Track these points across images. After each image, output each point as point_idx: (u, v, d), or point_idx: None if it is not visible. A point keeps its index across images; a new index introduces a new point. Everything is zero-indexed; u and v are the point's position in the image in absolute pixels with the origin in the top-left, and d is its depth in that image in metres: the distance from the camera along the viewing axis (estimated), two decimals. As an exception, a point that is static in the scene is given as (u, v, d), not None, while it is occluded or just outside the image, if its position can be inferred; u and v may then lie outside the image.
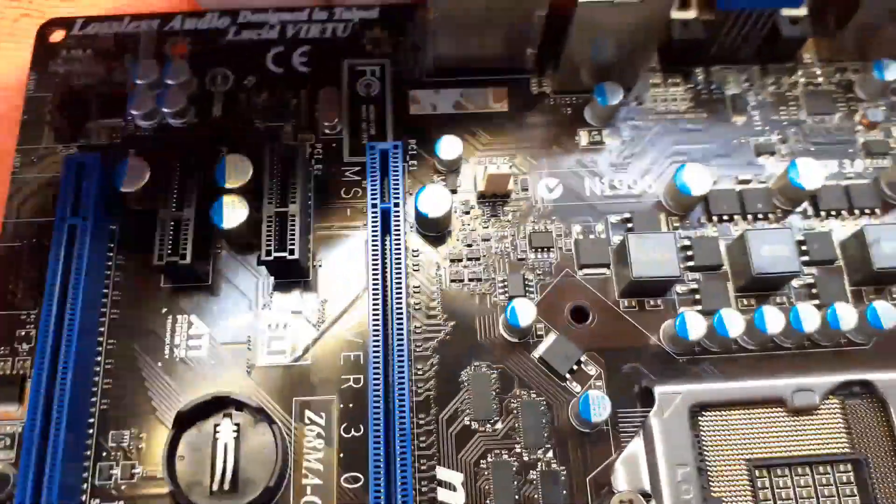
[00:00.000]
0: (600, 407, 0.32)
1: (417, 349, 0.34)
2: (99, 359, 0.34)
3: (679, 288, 0.36)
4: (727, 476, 0.32)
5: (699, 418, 0.33)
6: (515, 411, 0.33)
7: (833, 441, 0.33)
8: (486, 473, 0.32)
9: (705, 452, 0.32)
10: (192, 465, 0.32)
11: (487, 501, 0.32)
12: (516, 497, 0.32)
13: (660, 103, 0.39)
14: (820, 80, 0.40)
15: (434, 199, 0.35)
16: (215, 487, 0.31)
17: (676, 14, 0.38)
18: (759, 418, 0.33)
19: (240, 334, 0.34)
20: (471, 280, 0.36)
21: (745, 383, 0.33)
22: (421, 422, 0.33)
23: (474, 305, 0.35)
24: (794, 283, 0.36)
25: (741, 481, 0.32)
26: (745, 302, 0.35)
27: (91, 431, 0.33)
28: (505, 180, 0.36)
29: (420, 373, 0.34)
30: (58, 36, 0.41)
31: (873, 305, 0.34)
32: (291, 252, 0.33)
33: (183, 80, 0.39)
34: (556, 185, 0.38)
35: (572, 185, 0.38)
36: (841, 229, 0.37)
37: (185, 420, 0.32)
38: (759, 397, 0.33)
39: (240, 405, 0.32)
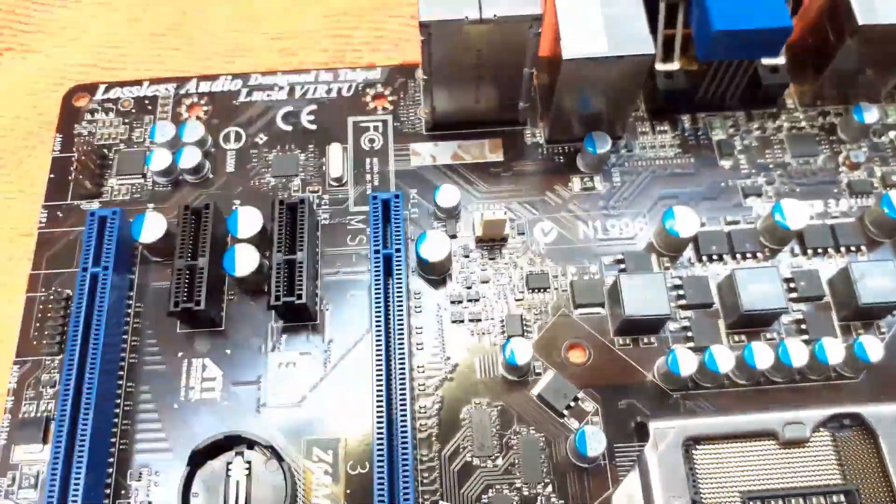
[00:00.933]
0: (596, 441, 0.33)
1: (420, 388, 0.36)
2: (118, 401, 0.36)
3: (672, 326, 0.37)
4: (721, 507, 0.33)
5: (693, 452, 0.34)
6: (515, 447, 0.35)
7: (825, 472, 0.33)
8: (488, 507, 0.34)
9: (700, 484, 0.33)
10: (205, 501, 0.33)
11: (489, 535, 0.33)
12: (517, 528, 0.33)
13: (648, 150, 0.41)
14: (803, 123, 0.42)
15: (434, 244, 0.37)
16: (226, 524, 0.32)
17: (660, 66, 0.40)
18: (752, 451, 0.34)
19: (251, 375, 0.36)
20: (471, 321, 0.37)
21: (737, 418, 0.34)
22: (424, 458, 0.34)
23: (475, 345, 0.37)
24: (784, 319, 0.37)
25: (736, 514, 0.33)
26: (736, 338, 0.37)
27: (110, 471, 0.34)
28: (501, 226, 0.38)
29: (422, 411, 0.35)
30: (82, 101, 0.44)
31: (860, 340, 0.35)
32: (299, 297, 0.35)
33: (198, 138, 0.42)
34: (550, 228, 0.39)
35: (566, 228, 0.39)
36: (828, 266, 0.38)
37: (200, 458, 0.33)
38: (751, 431, 0.34)
39: (251, 443, 0.34)
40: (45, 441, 0.35)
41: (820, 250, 0.39)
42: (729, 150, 0.41)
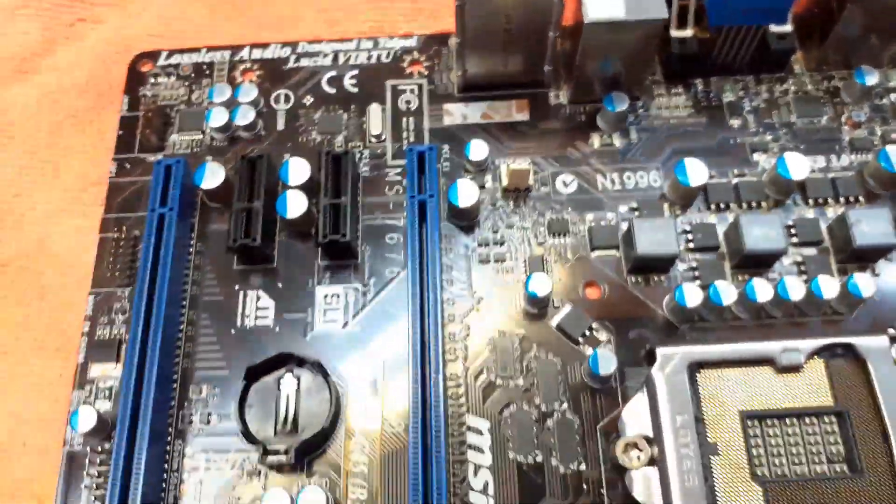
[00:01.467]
0: (607, 362, 0.37)
1: (449, 317, 0.40)
2: (182, 327, 0.40)
3: (681, 266, 0.40)
4: (722, 425, 0.36)
5: (697, 375, 0.37)
6: (534, 370, 0.38)
7: (818, 396, 0.37)
8: (508, 421, 0.37)
9: (702, 404, 0.37)
10: (259, 411, 0.37)
11: (509, 444, 0.37)
12: (535, 441, 0.37)
13: (664, 110, 0.45)
14: (809, 87, 0.45)
15: (465, 191, 0.41)
16: (279, 428, 0.37)
17: (675, 33, 0.44)
18: (751, 376, 0.37)
19: (300, 305, 0.40)
20: (496, 261, 0.41)
21: (738, 346, 0.37)
22: (452, 376, 0.38)
23: (499, 281, 0.41)
24: (785, 261, 0.40)
25: (734, 430, 0.36)
26: (740, 278, 0.40)
27: (175, 386, 0.39)
28: (525, 175, 0.42)
29: (451, 337, 0.39)
30: (146, 67, 0.49)
31: (853, 276, 0.38)
32: (343, 235, 0.40)
33: (251, 99, 0.46)
34: (571, 180, 0.43)
35: (586, 180, 0.43)
36: (828, 215, 0.41)
37: (254, 374, 0.38)
38: (751, 357, 0.37)
39: (300, 361, 0.38)
40: (117, 360, 0.40)
41: (821, 200, 0.42)
42: (738, 111, 0.44)
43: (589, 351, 0.39)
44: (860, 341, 0.37)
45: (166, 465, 0.37)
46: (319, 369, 0.38)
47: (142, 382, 0.37)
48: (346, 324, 0.40)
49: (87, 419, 0.37)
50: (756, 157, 0.43)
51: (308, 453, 0.37)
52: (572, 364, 0.38)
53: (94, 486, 0.37)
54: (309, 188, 0.42)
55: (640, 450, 0.36)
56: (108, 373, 0.39)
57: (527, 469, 0.37)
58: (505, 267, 0.41)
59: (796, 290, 0.38)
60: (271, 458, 0.35)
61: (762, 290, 0.38)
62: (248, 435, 0.37)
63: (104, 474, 0.37)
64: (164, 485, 0.37)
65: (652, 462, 0.35)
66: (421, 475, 0.34)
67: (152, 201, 0.41)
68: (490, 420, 0.38)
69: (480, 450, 0.37)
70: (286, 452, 0.35)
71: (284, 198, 0.41)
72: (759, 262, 0.40)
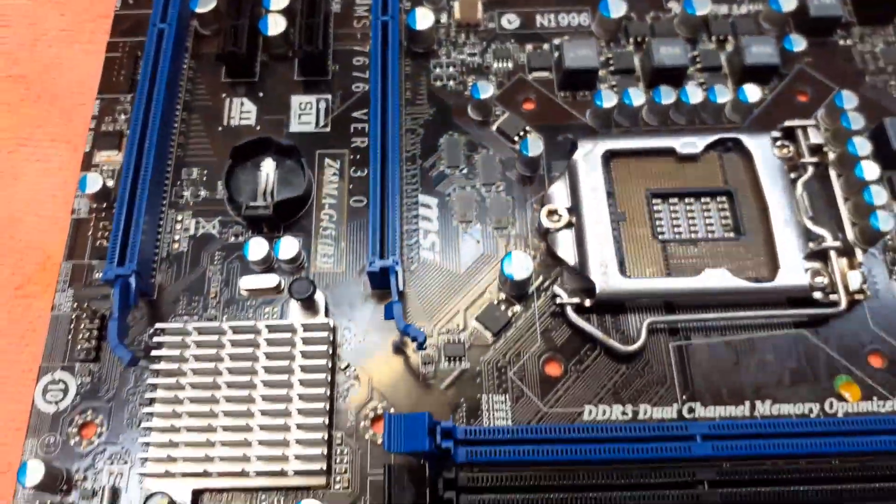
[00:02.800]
0: (535, 145, 0.44)
1: (409, 119, 0.47)
2: (176, 124, 0.47)
3: (602, 86, 0.48)
4: (630, 200, 0.43)
5: (611, 162, 0.44)
6: (476, 161, 0.45)
7: (711, 180, 0.44)
8: (453, 199, 0.44)
9: (614, 183, 0.44)
10: (242, 188, 0.44)
11: (453, 214, 0.44)
12: (475, 212, 0.44)
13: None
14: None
15: (422, 16, 0.48)
16: (259, 200, 0.43)
17: None
18: (656, 163, 0.44)
19: (278, 110, 0.47)
20: (449, 79, 0.48)
21: (645, 138, 0.45)
22: (408, 169, 0.45)
23: (448, 92, 0.48)
24: (690, 83, 0.47)
25: (640, 203, 0.43)
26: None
27: (169, 171, 0.45)
28: (474, 7, 0.49)
29: (409, 123, 0.46)
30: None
31: (743, 87, 0.46)
32: (317, 47, 0.46)
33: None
34: (515, 18, 0.50)
35: (527, 19, 0.50)
36: (727, 49, 0.49)
37: (238, 154, 0.44)
38: (655, 147, 0.44)
39: (279, 147, 0.45)
40: (119, 149, 0.46)
41: (722, 37, 0.49)
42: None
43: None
44: (747, 137, 0.45)
45: (160, 229, 0.44)
46: (294, 151, 0.44)
47: (140, 164, 0.44)
48: (317, 124, 0.47)
49: (94, 183, 0.43)
50: (670, 4, 0.51)
51: (284, 219, 0.43)
52: (509, 159, 0.46)
53: (99, 243, 0.43)
54: (288, 15, 0.49)
55: (560, 215, 0.43)
56: (112, 158, 0.46)
57: (468, 234, 0.44)
58: (456, 83, 0.48)
59: (696, 95, 0.45)
60: (251, 210, 0.42)
61: (667, 94, 0.45)
62: (232, 202, 0.43)
63: (107, 229, 0.43)
64: (157, 244, 0.43)
65: (570, 226, 0.43)
66: (378, 233, 0.41)
67: (153, 17, 0.47)
68: (438, 200, 0.44)
69: (429, 219, 0.44)
70: (265, 208, 0.42)
71: (266, 20, 0.48)
72: (667, 78, 0.47)
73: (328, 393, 0.38)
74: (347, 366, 0.40)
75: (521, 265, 0.40)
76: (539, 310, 0.41)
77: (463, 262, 0.43)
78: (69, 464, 0.38)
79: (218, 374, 0.38)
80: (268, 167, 0.44)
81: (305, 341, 0.39)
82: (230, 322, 0.40)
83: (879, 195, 0.42)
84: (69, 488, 0.38)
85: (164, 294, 0.42)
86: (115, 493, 0.37)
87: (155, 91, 0.45)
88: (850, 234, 0.42)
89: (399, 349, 0.41)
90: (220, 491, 0.37)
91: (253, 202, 0.43)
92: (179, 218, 0.44)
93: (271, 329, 0.39)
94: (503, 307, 0.41)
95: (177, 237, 0.44)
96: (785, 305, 0.41)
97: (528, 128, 0.46)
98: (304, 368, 0.38)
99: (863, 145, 0.43)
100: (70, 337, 0.41)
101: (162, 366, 0.38)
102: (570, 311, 0.41)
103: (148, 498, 0.36)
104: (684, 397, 0.39)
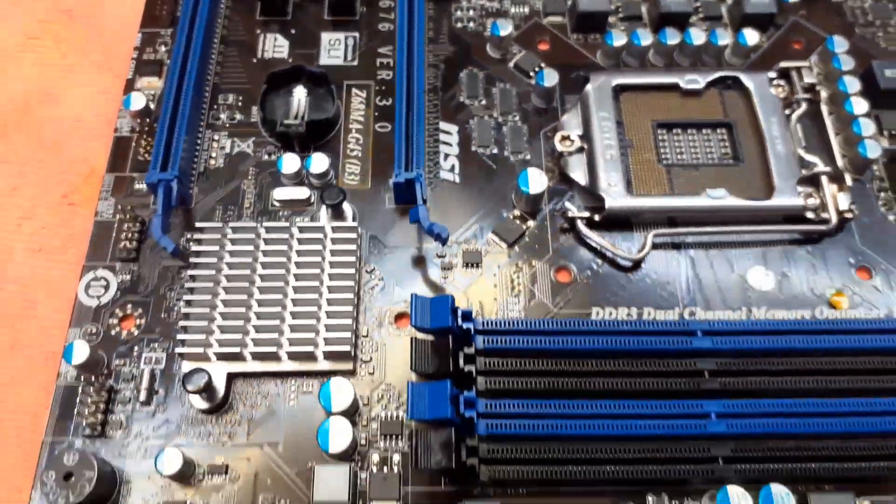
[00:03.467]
0: (551, 76, 0.47)
1: (431, 56, 0.50)
2: (213, 55, 0.50)
3: (615, 30, 0.51)
4: (637, 129, 0.47)
5: (620, 95, 0.48)
6: (494, 94, 0.49)
7: (713, 113, 0.47)
8: (472, 126, 0.48)
9: (623, 114, 0.47)
10: (277, 108, 0.47)
11: (473, 139, 0.47)
12: (492, 138, 0.47)
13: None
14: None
15: (445, -33, 0.51)
16: (291, 120, 0.46)
17: None
18: (661, 97, 0.48)
19: (310, 44, 0.50)
20: (469, 21, 0.52)
21: (651, 75, 0.48)
22: (430, 100, 0.49)
23: (472, 35, 0.51)
24: (694, 30, 0.51)
25: (647, 132, 0.47)
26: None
27: (207, 96, 0.48)
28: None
29: (431, 59, 0.50)
30: None
31: (743, 31, 0.49)
32: (348, -12, 0.50)
33: None
34: (530, -30, 0.54)
35: (542, -28, 0.54)
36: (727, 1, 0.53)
37: (273, 81, 0.47)
38: (661, 83, 0.48)
39: (311, 75, 0.48)
40: (160, 76, 0.49)
41: (724, -9, 0.53)
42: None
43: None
44: (745, 76, 0.48)
45: (198, 147, 0.47)
46: (324, 80, 0.47)
47: (182, 86, 0.47)
48: (345, 59, 0.50)
49: (137, 101, 0.46)
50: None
51: (314, 140, 0.46)
52: (525, 93, 0.49)
53: (140, 157, 0.46)
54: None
55: (573, 141, 0.46)
56: (153, 84, 0.49)
57: (485, 157, 0.47)
58: (476, 25, 0.51)
59: (699, 37, 0.49)
60: (285, 127, 0.45)
61: (672, 35, 0.49)
62: (266, 122, 0.46)
63: (149, 146, 0.46)
64: (195, 160, 0.46)
65: (581, 150, 0.46)
66: (403, 148, 0.44)
67: (192, -39, 0.51)
68: (458, 126, 0.48)
69: (449, 144, 0.47)
70: (298, 125, 0.45)
71: (305, -43, 0.51)
72: (674, 22, 0.50)
73: (356, 288, 0.41)
74: (373, 269, 0.43)
75: (537, 180, 0.43)
76: (551, 226, 0.45)
77: (480, 183, 0.46)
78: (109, 352, 0.41)
79: (253, 269, 0.41)
80: (300, 93, 0.47)
81: (335, 241, 0.42)
82: (265, 223, 0.43)
83: (867, 127, 0.45)
84: (109, 373, 0.40)
85: (201, 204, 0.45)
86: (153, 376, 0.40)
87: (196, 25, 0.49)
88: (840, 163, 0.45)
89: (420, 259, 0.43)
90: (253, 375, 0.40)
91: (287, 120, 0.46)
92: (216, 138, 0.47)
93: (303, 230, 0.42)
94: (518, 222, 0.44)
95: (213, 154, 0.47)
96: (780, 223, 0.44)
97: (542, 65, 0.50)
98: (333, 265, 0.41)
99: (852, 83, 0.47)
100: (112, 239, 0.44)
101: (201, 259, 0.41)
102: (580, 224, 0.44)
103: (187, 375, 0.38)
104: (685, 303, 0.42)
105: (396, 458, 0.38)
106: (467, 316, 0.37)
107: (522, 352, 0.38)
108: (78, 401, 0.39)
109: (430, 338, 0.39)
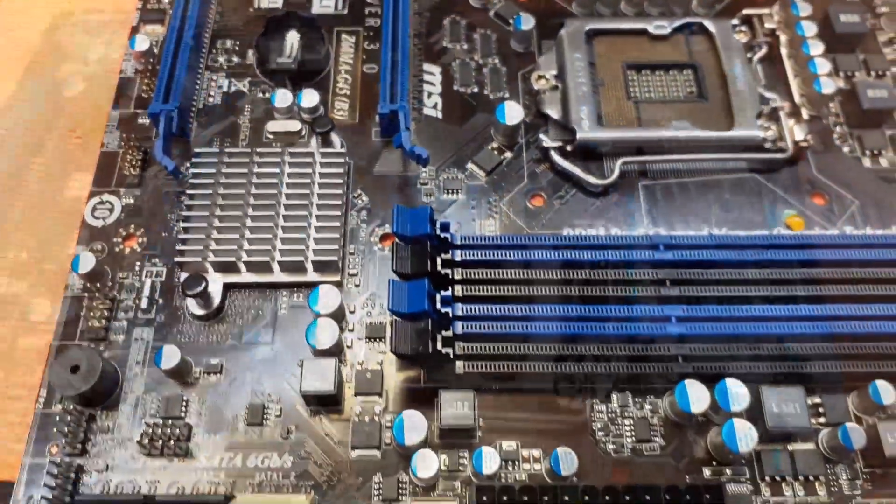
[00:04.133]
0: (528, 20, 0.50)
1: (416, 5, 0.53)
2: (213, 5, 0.53)
3: (587, -15, 0.54)
4: (608, 69, 0.50)
5: (593, 40, 0.51)
6: (475, 39, 0.52)
7: (679, 56, 0.51)
8: (456, 68, 0.51)
9: (595, 56, 0.50)
10: (272, 51, 0.50)
11: (455, 78, 0.50)
12: (472, 78, 0.50)
13: None
14: None
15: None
16: (285, 59, 0.50)
17: None
18: (631, 42, 0.51)
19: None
20: (452, -24, 0.55)
21: (622, 21, 0.52)
22: (414, 44, 0.52)
23: (453, -9, 0.55)
24: (664, -15, 0.54)
25: (617, 72, 0.50)
26: (630, -8, 0.54)
27: (206, 40, 0.52)
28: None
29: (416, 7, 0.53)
30: None
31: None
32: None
33: None
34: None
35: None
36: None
37: (270, 27, 0.51)
38: (632, 28, 0.51)
39: (302, 20, 0.51)
40: (163, 24, 0.53)
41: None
42: None
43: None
44: (709, 22, 0.51)
45: (197, 86, 0.50)
46: (315, 26, 0.51)
47: (183, 29, 0.50)
48: (335, 8, 0.53)
49: (142, 42, 0.49)
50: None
51: (305, 79, 0.50)
52: (503, 36, 0.52)
53: (143, 95, 0.50)
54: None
55: (548, 80, 0.49)
56: (156, 31, 0.52)
57: (466, 96, 0.50)
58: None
59: (670, -12, 0.52)
60: (279, 65, 0.48)
61: (645, -13, 0.52)
62: (261, 64, 0.50)
63: (152, 86, 0.50)
64: (194, 98, 0.49)
65: (555, 88, 0.49)
66: (389, 82, 0.47)
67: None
68: (441, 67, 0.51)
69: (433, 84, 0.50)
70: (291, 63, 0.49)
71: (295, -80, 0.55)
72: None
73: (344, 209, 0.44)
74: (359, 195, 0.46)
75: (513, 112, 0.46)
76: (527, 157, 0.48)
77: (461, 118, 0.49)
78: (114, 267, 0.44)
79: (247, 190, 0.44)
80: (292, 37, 0.51)
81: (323, 165, 0.45)
82: (259, 150, 0.46)
83: (823, 66, 0.48)
84: (113, 285, 0.43)
85: (199, 137, 0.48)
86: (153, 287, 0.43)
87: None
88: (798, 101, 0.48)
89: (404, 184, 0.46)
90: (248, 286, 0.43)
91: (280, 59, 0.49)
92: (214, 78, 0.50)
93: (294, 155, 0.45)
94: (496, 153, 0.48)
95: (212, 93, 0.50)
96: (741, 152, 0.47)
97: (521, 13, 0.53)
98: (322, 185, 0.44)
99: (809, 27, 0.50)
100: (117, 167, 0.47)
101: (198, 181, 0.44)
102: (553, 153, 0.47)
103: (187, 280, 0.41)
104: (650, 224, 0.45)
105: (380, 358, 0.41)
106: (445, 227, 0.40)
107: (496, 262, 0.41)
108: (84, 306, 0.42)
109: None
